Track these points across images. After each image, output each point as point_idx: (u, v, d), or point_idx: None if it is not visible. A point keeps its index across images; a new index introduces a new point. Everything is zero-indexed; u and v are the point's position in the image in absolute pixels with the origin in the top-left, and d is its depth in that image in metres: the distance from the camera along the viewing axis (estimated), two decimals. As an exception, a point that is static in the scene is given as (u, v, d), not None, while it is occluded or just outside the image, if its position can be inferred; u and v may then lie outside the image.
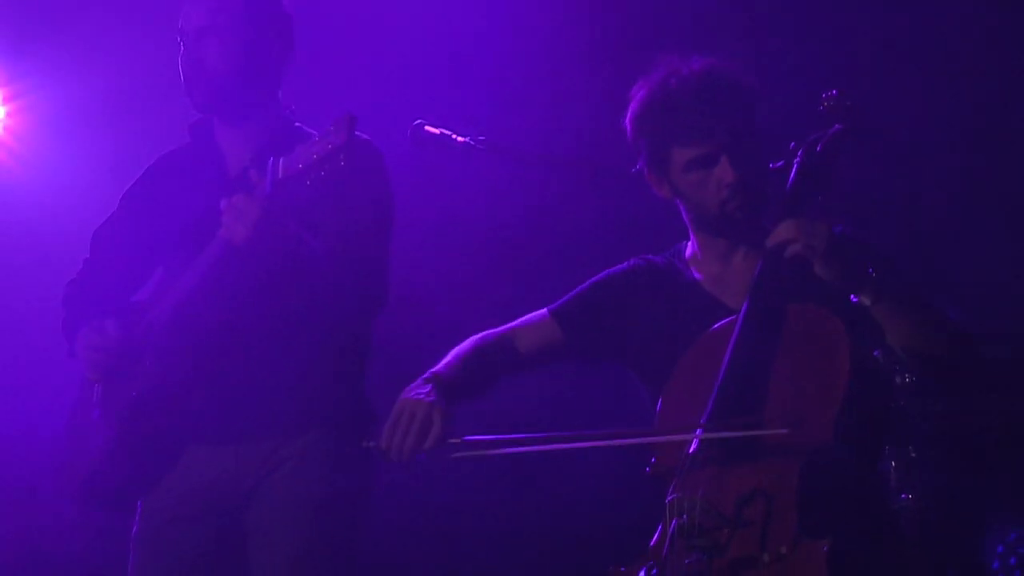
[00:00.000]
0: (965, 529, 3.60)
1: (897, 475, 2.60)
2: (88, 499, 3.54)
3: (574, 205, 4.70)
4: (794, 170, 3.13)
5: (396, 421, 3.01)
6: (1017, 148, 4.48)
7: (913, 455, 2.63)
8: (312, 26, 4.83)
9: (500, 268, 4.82)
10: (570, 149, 4.43)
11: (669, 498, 2.76)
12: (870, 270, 2.94)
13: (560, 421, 3.15)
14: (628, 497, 3.56)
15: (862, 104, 3.11)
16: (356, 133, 3.22)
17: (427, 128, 3.31)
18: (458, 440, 2.98)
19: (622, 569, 2.82)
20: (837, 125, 3.14)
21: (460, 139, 3.32)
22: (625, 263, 3.33)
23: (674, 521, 2.71)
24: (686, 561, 2.67)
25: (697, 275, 3.24)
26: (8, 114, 5.05)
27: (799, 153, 3.15)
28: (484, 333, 3.26)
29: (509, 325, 3.28)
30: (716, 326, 3.01)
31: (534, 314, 3.30)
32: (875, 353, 2.87)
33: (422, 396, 3.03)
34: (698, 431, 2.81)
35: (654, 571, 2.73)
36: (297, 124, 3.59)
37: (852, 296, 2.94)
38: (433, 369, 3.14)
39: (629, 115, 3.22)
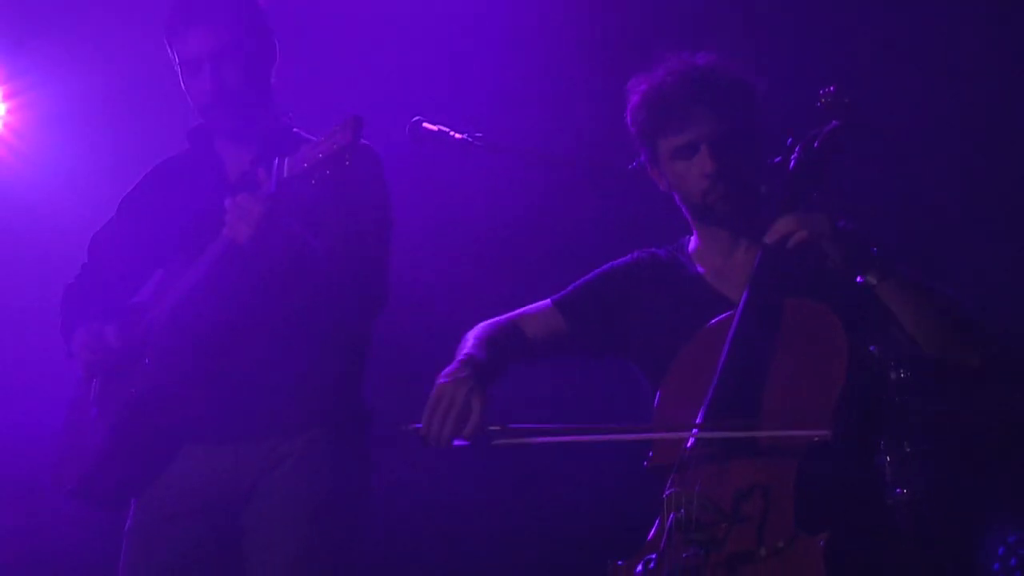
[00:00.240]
0: (961, 524, 3.61)
1: (892, 470, 2.61)
2: (84, 496, 3.54)
3: (573, 204, 4.71)
4: (791, 166, 3.14)
5: (435, 406, 2.94)
6: (1017, 148, 4.48)
7: (908, 450, 2.64)
8: (312, 25, 4.85)
9: (499, 267, 4.82)
10: (569, 148, 4.43)
11: (667, 492, 2.76)
12: (874, 250, 2.96)
13: (559, 417, 3.14)
14: (626, 491, 3.56)
15: (859, 101, 3.12)
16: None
17: (425, 125, 3.33)
18: (497, 427, 2.92)
19: (620, 563, 2.83)
20: (834, 121, 3.15)
21: (458, 136, 3.34)
22: (628, 256, 3.35)
23: (672, 515, 2.72)
24: (683, 555, 2.68)
25: (700, 269, 3.26)
26: (9, 111, 5.06)
27: (796, 149, 3.17)
28: (491, 320, 3.25)
29: (514, 313, 3.29)
30: (714, 321, 3.03)
31: (537, 304, 3.31)
32: (871, 348, 2.87)
33: (461, 380, 2.96)
34: (748, 430, 2.76)
35: (652, 565, 2.74)
36: (296, 130, 3.60)
37: (858, 277, 2.95)
38: (468, 352, 3.07)
39: (628, 108, 3.25)
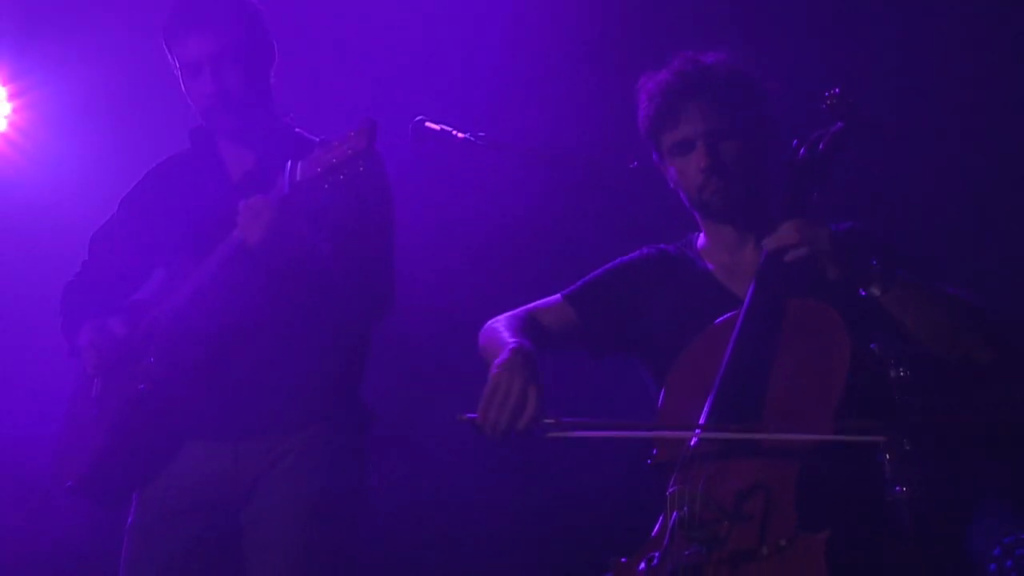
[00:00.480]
0: (960, 521, 3.61)
1: (891, 467, 2.61)
2: (84, 493, 3.54)
3: (575, 203, 4.71)
4: (795, 166, 3.15)
5: (492, 395, 2.87)
6: (1017, 148, 4.48)
7: (907, 448, 2.64)
8: (314, 25, 4.86)
9: (501, 266, 4.82)
10: (571, 147, 4.43)
11: (670, 490, 2.78)
12: (873, 262, 2.95)
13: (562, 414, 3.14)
14: (629, 488, 3.57)
15: (863, 101, 3.13)
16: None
17: (428, 124, 3.33)
18: (552, 420, 2.86)
19: (623, 560, 2.83)
20: (839, 123, 3.15)
21: (460, 135, 3.34)
22: (637, 251, 3.37)
23: (674, 513, 2.73)
24: (686, 553, 2.69)
25: (709, 265, 3.27)
26: (14, 110, 5.07)
27: (801, 150, 3.18)
28: (507, 314, 3.23)
29: (525, 307, 3.29)
30: (719, 320, 3.04)
31: (547, 299, 3.32)
32: (872, 346, 2.87)
33: (516, 370, 2.89)
34: (812, 433, 2.74)
35: (654, 562, 2.75)
36: (297, 130, 3.61)
37: (860, 291, 2.96)
38: (515, 341, 3.00)
39: (639, 106, 3.27)
